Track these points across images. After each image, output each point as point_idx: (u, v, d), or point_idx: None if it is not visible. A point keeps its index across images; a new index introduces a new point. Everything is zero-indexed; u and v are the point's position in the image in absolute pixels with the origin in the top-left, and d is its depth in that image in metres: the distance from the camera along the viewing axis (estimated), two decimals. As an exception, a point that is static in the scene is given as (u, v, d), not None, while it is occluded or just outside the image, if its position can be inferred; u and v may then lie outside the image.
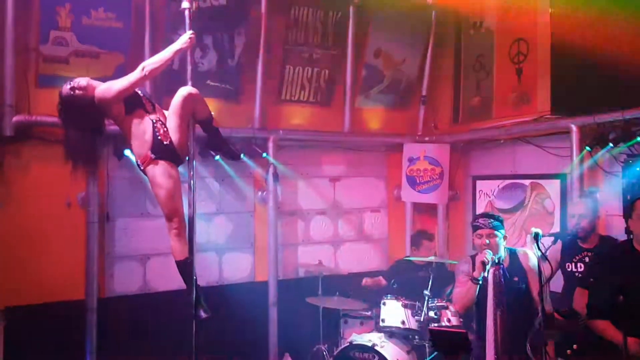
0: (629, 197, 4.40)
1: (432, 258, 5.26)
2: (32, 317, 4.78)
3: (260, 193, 5.99)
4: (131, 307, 5.27)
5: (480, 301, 3.82)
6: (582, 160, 4.91)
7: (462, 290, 3.91)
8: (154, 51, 5.15)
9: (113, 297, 5.31)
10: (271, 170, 5.83)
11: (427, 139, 6.66)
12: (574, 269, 4.29)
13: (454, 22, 6.63)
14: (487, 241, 3.84)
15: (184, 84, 3.52)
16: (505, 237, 3.97)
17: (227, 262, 5.85)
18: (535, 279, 3.66)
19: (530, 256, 3.89)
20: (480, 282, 3.70)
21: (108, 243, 5.30)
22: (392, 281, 5.64)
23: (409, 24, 6.37)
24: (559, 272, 4.42)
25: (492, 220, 3.95)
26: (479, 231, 3.92)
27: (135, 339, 5.08)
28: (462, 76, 6.55)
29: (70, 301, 5.01)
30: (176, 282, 5.03)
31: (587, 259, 4.21)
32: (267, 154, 5.77)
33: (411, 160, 6.61)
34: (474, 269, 3.93)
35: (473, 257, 4.06)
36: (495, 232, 3.89)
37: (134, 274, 5.40)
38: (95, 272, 5.08)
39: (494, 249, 3.82)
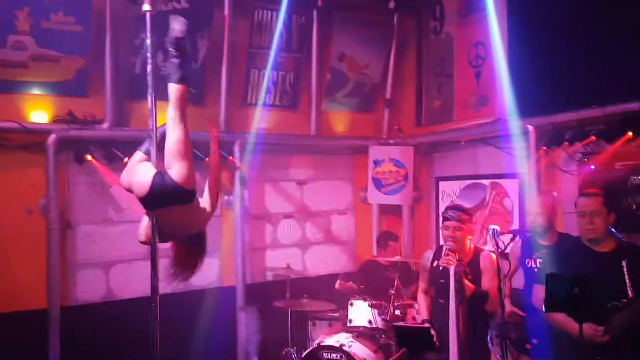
0: (584, 195, 4.54)
1: (397, 258, 5.35)
2: (-8, 327, 4.66)
3: (226, 197, 5.95)
4: (95, 316, 5.18)
5: (439, 298, 3.92)
6: (539, 160, 5.06)
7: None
8: (116, 55, 5.14)
9: (76, 305, 5.21)
10: (237, 174, 5.82)
11: (391, 141, 6.76)
12: (533, 265, 4.39)
13: (416, 27, 6.76)
14: (453, 234, 3.88)
15: (146, 88, 3.49)
16: (471, 232, 4.03)
17: (193, 267, 5.81)
18: (489, 282, 3.75)
19: (491, 260, 3.88)
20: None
21: (70, 250, 5.20)
22: (359, 282, 5.70)
23: (372, 28, 6.48)
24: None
25: (461, 213, 3.96)
26: (447, 223, 3.94)
27: (99, 347, 4.99)
28: (424, 80, 6.69)
29: (32, 310, 4.91)
30: (140, 289, 5.03)
31: (545, 256, 4.31)
32: (233, 158, 5.76)
33: (376, 163, 6.69)
34: (435, 259, 4.01)
35: (439, 248, 4.11)
36: (462, 225, 3.93)
37: (97, 282, 5.32)
38: (58, 280, 4.98)
39: (458, 242, 3.86)
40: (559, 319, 3.36)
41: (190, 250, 3.17)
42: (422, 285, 4.22)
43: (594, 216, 3.37)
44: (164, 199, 2.86)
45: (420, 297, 4.23)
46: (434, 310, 3.97)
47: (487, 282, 3.80)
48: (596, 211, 3.38)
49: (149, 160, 3.06)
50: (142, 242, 3.10)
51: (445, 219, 3.97)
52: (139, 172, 3.00)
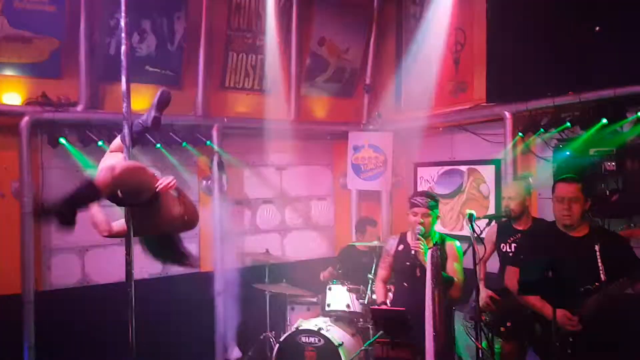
0: (559, 180, 4.61)
1: (375, 243, 5.38)
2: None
3: (204, 182, 5.90)
4: (70, 300, 5.13)
5: (403, 282, 3.97)
6: (515, 146, 5.12)
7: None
8: (90, 36, 5.03)
9: (51, 290, 5.15)
10: (216, 158, 5.77)
11: (371, 127, 6.77)
12: (507, 250, 4.45)
13: (396, 12, 6.75)
14: (422, 220, 3.92)
15: (121, 69, 3.42)
16: (438, 217, 4.07)
17: (171, 253, 5.77)
18: (452, 268, 3.84)
19: (455, 248, 3.97)
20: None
21: (44, 235, 5.13)
22: (338, 266, 5.74)
23: (353, 13, 6.44)
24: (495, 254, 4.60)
25: (429, 199, 3.99)
26: (415, 209, 3.96)
27: (74, 332, 4.96)
28: (403, 65, 6.68)
29: (6, 295, 4.84)
30: (116, 274, 4.99)
31: (519, 240, 4.37)
32: (211, 142, 5.71)
33: (356, 149, 6.70)
34: (400, 243, 4.06)
35: (403, 234, 4.16)
36: (430, 212, 3.96)
37: (72, 267, 5.26)
38: (32, 265, 4.91)
39: (427, 228, 3.91)
40: (533, 302, 3.42)
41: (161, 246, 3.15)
42: (382, 272, 4.23)
43: (572, 202, 3.39)
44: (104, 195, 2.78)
45: (379, 285, 4.25)
46: (397, 294, 3.98)
47: (451, 267, 3.86)
48: (574, 197, 3.39)
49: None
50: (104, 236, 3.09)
51: (413, 205, 3.99)
52: (102, 163, 3.04)
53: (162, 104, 3.31)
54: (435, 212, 3.98)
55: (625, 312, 3.39)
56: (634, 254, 3.34)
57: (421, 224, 3.89)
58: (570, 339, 3.27)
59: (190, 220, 3.16)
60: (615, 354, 3.31)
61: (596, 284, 3.22)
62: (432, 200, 3.98)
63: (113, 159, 3.11)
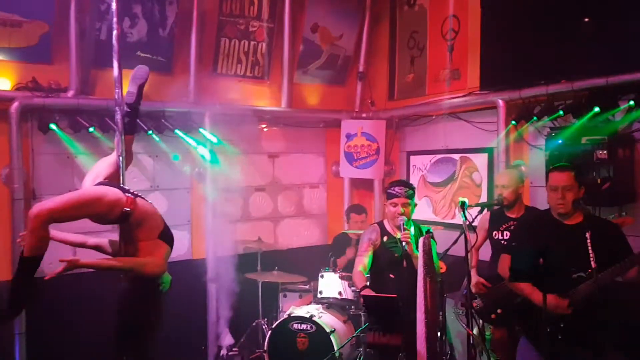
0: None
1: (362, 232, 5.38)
2: (-45, 299, 4.55)
3: (197, 169, 5.88)
4: (61, 288, 5.07)
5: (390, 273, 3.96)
6: (508, 134, 5.12)
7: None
8: (81, 20, 4.97)
9: (41, 277, 5.09)
10: (208, 145, 5.74)
11: (364, 115, 6.76)
12: (500, 237, 4.49)
13: (389, -2, 6.72)
14: (402, 209, 3.92)
15: (112, 55, 3.39)
16: (415, 205, 4.09)
17: (163, 240, 5.75)
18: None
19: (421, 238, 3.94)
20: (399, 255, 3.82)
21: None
22: (330, 254, 5.75)
23: (346, -1, 6.40)
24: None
25: (408, 189, 3.99)
26: (395, 200, 3.96)
27: (65, 320, 4.95)
28: (397, 53, 6.66)
29: (-4, 282, 4.82)
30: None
31: (512, 228, 4.40)
32: (203, 129, 5.67)
33: (349, 137, 6.69)
34: (382, 236, 4.03)
35: (380, 224, 4.14)
36: (409, 201, 3.97)
37: (64, 254, 5.17)
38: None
39: (407, 217, 3.92)
40: (524, 288, 3.45)
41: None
42: (363, 260, 4.00)
43: (565, 190, 3.40)
44: None
45: (359, 272, 3.96)
46: (380, 285, 3.89)
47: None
48: (568, 186, 3.40)
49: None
50: None
51: (393, 195, 3.98)
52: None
53: (137, 78, 3.31)
54: (413, 200, 4.01)
55: (615, 299, 3.42)
56: (625, 242, 3.36)
57: (402, 213, 3.90)
58: (562, 325, 3.30)
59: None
60: (605, 341, 3.35)
61: (589, 270, 3.24)
62: (410, 190, 4.00)
63: (100, 166, 3.32)
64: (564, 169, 3.47)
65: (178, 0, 5.41)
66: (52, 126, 4.92)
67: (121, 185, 3.25)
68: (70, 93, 5.02)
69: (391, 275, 3.94)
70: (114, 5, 3.40)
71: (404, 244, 3.81)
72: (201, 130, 5.66)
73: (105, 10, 4.95)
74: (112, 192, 3.03)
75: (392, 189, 4.01)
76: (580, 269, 3.28)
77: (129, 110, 3.41)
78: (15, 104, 4.77)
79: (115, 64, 3.38)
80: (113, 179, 3.31)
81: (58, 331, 4.94)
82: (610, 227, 3.49)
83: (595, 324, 3.31)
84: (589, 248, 3.26)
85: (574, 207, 3.44)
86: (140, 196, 3.19)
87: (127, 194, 3.09)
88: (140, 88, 3.41)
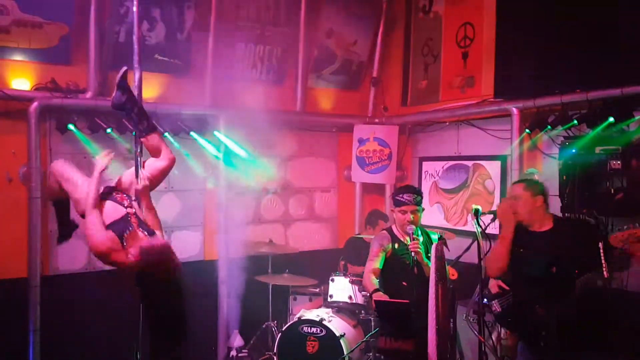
0: (564, 178, 4.61)
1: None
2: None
3: (211, 171, 5.94)
4: (75, 285, 5.17)
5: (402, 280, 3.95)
6: (521, 142, 5.12)
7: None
8: (100, 23, 5.05)
9: (57, 275, 5.19)
10: (222, 148, 5.79)
11: (376, 120, 6.78)
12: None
13: (405, 5, 6.74)
14: (412, 217, 3.92)
15: (131, 57, 3.45)
16: (423, 210, 4.08)
17: (175, 241, 5.76)
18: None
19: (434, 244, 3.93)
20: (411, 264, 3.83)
21: (51, 220, 5.14)
22: (341, 257, 5.77)
23: (361, 5, 6.43)
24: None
25: (416, 195, 3.98)
26: (404, 207, 3.95)
27: (80, 317, 5.00)
28: (411, 59, 6.68)
29: (13, 279, 4.89)
30: (123, 259, 5.00)
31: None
32: (218, 132, 5.72)
33: (361, 141, 6.71)
34: (393, 243, 4.01)
35: (390, 231, 4.12)
36: (418, 208, 3.97)
37: (78, 252, 5.27)
38: (39, 250, 4.95)
39: (416, 224, 3.92)
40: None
41: None
42: (375, 265, 3.96)
43: (516, 200, 3.67)
44: None
45: (370, 276, 3.93)
46: (393, 292, 3.84)
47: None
48: (517, 196, 3.67)
49: None
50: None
51: (401, 203, 3.96)
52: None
53: (119, 80, 3.30)
54: (421, 206, 4.01)
55: (603, 304, 3.64)
56: (596, 248, 3.40)
57: (411, 221, 3.91)
58: (543, 334, 3.41)
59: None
60: (600, 345, 3.44)
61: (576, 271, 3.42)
62: (418, 196, 4.00)
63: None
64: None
65: (196, 4, 5.47)
66: (70, 126, 4.99)
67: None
68: (89, 94, 5.09)
69: (404, 284, 3.91)
70: (134, 9, 3.47)
71: (412, 253, 3.81)
72: (216, 132, 5.71)
73: (124, 13, 5.02)
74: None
75: (401, 196, 4.00)
76: (547, 273, 3.48)
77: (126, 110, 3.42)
78: (35, 104, 4.85)
79: (136, 66, 3.44)
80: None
81: (72, 329, 4.99)
82: (579, 231, 3.76)
83: (589, 329, 3.45)
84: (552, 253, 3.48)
85: (532, 215, 3.62)
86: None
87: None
88: (121, 87, 3.36)
